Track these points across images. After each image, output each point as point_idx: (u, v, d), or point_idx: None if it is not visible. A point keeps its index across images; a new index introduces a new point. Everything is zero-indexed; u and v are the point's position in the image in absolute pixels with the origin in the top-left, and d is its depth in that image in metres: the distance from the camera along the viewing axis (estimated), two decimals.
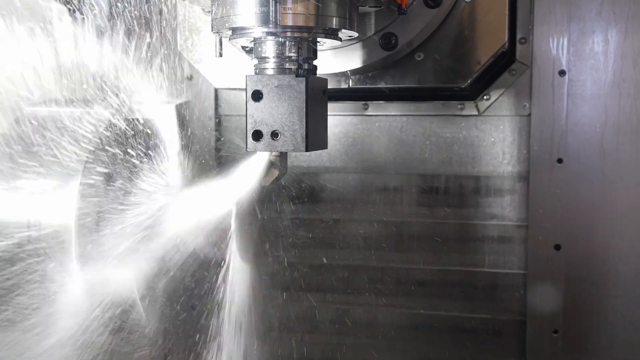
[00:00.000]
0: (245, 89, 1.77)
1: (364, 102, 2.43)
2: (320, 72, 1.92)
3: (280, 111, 1.76)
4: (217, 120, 2.44)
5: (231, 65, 2.18)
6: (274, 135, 1.76)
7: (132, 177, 1.91)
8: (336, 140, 2.43)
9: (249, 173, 1.89)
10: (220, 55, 1.86)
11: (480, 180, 2.39)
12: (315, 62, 1.88)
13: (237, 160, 1.92)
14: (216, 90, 2.46)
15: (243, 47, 1.96)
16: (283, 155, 1.90)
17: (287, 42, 1.78)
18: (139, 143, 1.90)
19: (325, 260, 2.48)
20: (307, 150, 1.77)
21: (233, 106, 2.47)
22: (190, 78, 2.34)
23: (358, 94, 2.36)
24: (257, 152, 1.85)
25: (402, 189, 2.44)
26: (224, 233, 1.95)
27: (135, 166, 1.91)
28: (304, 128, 1.75)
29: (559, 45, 2.23)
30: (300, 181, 2.43)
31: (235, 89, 2.36)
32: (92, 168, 1.79)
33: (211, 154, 2.41)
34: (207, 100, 2.44)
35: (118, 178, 1.89)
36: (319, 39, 1.84)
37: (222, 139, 2.38)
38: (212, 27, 1.84)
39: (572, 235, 2.25)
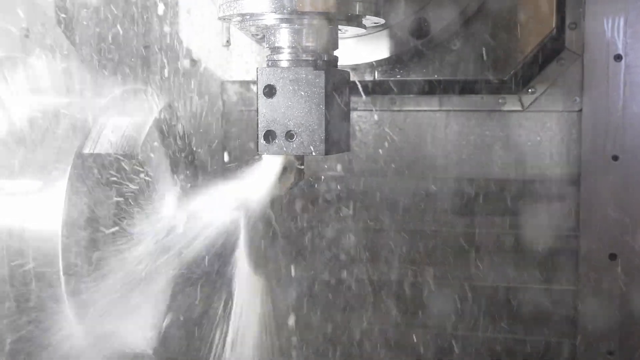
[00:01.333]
0: (256, 83, 1.73)
1: (391, 96, 2.41)
2: (341, 63, 1.88)
3: (296, 109, 1.72)
4: (223, 116, 2.40)
5: (240, 55, 2.17)
6: (289, 136, 1.72)
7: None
8: (359, 139, 2.42)
9: (261, 179, 1.84)
10: (228, 44, 1.81)
11: (524, 184, 2.38)
12: (335, 53, 1.83)
13: (247, 163, 1.88)
14: (222, 83, 2.42)
15: (254, 35, 1.91)
16: (300, 159, 1.86)
17: (304, 30, 1.74)
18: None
19: (348, 275, 2.46)
20: (326, 153, 1.73)
21: (242, 99, 2.43)
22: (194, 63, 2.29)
23: (385, 87, 2.33)
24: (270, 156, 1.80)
25: (435, 195, 2.42)
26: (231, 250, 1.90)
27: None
28: (323, 128, 1.71)
29: (614, 27, 2.20)
30: (318, 186, 2.41)
31: (244, 81, 2.32)
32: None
33: (216, 156, 2.37)
34: (212, 94, 2.40)
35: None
36: (340, 27, 1.79)
37: (229, 138, 2.32)
38: (218, 12, 1.78)
39: (630, 244, 2.24)
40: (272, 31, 1.80)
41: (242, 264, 1.90)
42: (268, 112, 1.74)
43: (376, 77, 2.22)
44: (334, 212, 2.45)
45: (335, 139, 1.78)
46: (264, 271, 1.97)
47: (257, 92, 1.74)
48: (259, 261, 1.98)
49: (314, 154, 1.73)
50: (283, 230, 2.42)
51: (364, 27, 1.86)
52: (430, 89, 2.33)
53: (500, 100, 2.34)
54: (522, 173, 2.37)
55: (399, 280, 2.47)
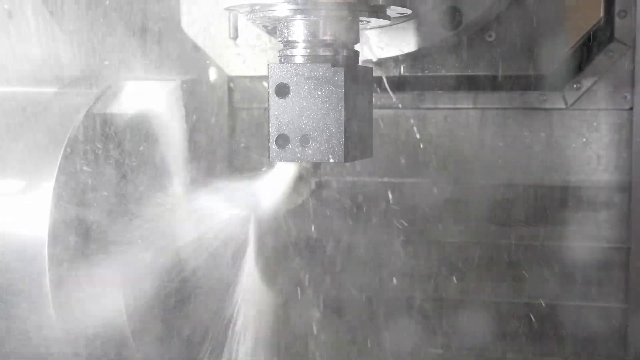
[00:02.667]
0: (268, 82, 1.71)
1: (419, 92, 2.38)
2: (363, 57, 1.90)
3: (311, 110, 1.70)
4: (230, 114, 2.40)
5: (249, 48, 2.17)
6: (304, 140, 1.70)
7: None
8: (382, 140, 2.38)
9: (272, 188, 1.84)
10: (236, 37, 1.79)
11: (568, 191, 2.36)
12: (356, 47, 1.81)
13: (257, 168, 1.89)
14: (230, 78, 2.41)
15: (264, 26, 1.91)
16: (316, 166, 1.84)
17: (321, 22, 1.72)
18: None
19: (369, 292, 2.45)
20: (346, 160, 1.70)
21: (252, 95, 2.42)
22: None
23: (411, 83, 2.32)
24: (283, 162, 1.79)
25: (467, 203, 2.40)
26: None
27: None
28: (342, 132, 1.69)
29: None
30: (337, 192, 2.41)
31: (254, 77, 2.31)
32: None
33: (222, 160, 2.35)
34: (218, 90, 2.39)
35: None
36: (361, 18, 1.77)
37: (237, 140, 2.31)
38: (224, 2, 1.78)
39: None
40: (285, 23, 1.77)
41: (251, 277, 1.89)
42: (280, 113, 1.72)
43: (402, 72, 2.21)
44: (353, 221, 2.44)
45: (356, 143, 1.76)
46: (276, 285, 1.95)
47: (269, 92, 1.72)
48: (270, 273, 1.98)
49: (331, 160, 1.71)
50: (298, 241, 2.38)
51: (388, 18, 1.83)
52: (462, 85, 2.32)
53: (541, 97, 2.32)
54: (566, 178, 2.36)
55: (427, 297, 2.46)
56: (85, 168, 1.81)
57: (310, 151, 1.71)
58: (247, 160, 2.35)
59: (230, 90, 2.42)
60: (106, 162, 1.85)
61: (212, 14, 2.22)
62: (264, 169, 1.88)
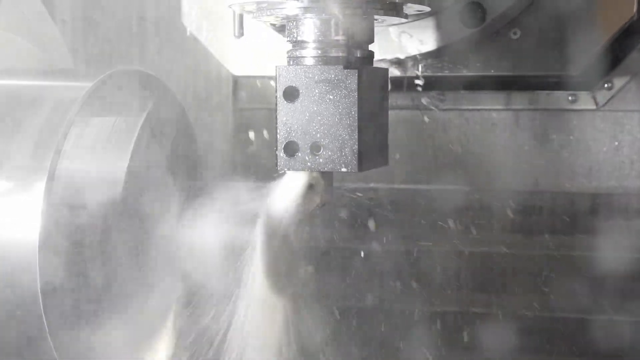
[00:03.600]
0: (276, 85, 1.70)
1: (439, 92, 2.38)
2: (378, 57, 1.89)
3: (323, 115, 1.68)
4: (235, 116, 2.40)
5: (255, 46, 2.17)
6: (315, 148, 1.69)
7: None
8: (399, 143, 2.33)
9: (280, 197, 1.81)
10: (241, 35, 1.78)
11: (599, 198, 2.35)
12: (371, 47, 1.79)
13: (264, 175, 1.86)
14: (235, 78, 2.41)
15: (272, 24, 1.90)
16: (327, 176, 1.81)
17: (333, 21, 1.70)
18: None
19: (387, 304, 2.45)
20: (360, 169, 1.69)
21: (259, 96, 2.41)
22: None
23: (430, 83, 2.31)
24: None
25: (491, 210, 2.39)
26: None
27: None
28: (356, 139, 1.68)
29: None
30: (350, 199, 2.36)
31: (261, 77, 2.32)
32: None
33: (225, 165, 2.36)
34: (222, 90, 2.39)
35: None
36: (376, 16, 1.75)
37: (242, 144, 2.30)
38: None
39: None
40: (294, 22, 1.75)
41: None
42: (289, 119, 1.71)
43: (420, 71, 2.19)
44: (367, 229, 2.42)
45: (371, 151, 1.75)
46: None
47: (277, 96, 1.71)
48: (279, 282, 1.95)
49: (344, 170, 1.70)
50: (313, 251, 2.38)
51: (405, 16, 1.82)
52: (485, 85, 2.32)
53: (570, 98, 2.32)
54: (597, 184, 2.36)
55: (451, 311, 2.47)
56: (79, 168, 1.79)
57: (321, 160, 1.70)
58: (254, 164, 2.34)
59: (235, 89, 2.41)
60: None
61: (215, 9, 2.20)
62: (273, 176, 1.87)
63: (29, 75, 2.00)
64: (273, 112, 1.75)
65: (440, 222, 2.43)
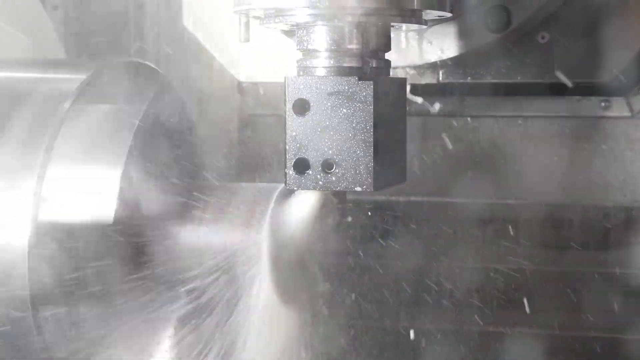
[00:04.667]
0: (285, 97, 1.68)
1: (460, 99, 2.38)
2: (395, 64, 1.89)
3: (335, 130, 1.67)
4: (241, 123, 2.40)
5: (262, 50, 2.17)
6: (327, 166, 1.68)
7: None
8: (417, 153, 2.36)
9: (290, 217, 1.81)
10: (247, 40, 1.78)
11: (634, 211, 2.35)
12: (387, 55, 1.79)
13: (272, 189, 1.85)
14: (240, 84, 2.40)
15: (282, 30, 1.92)
16: (340, 195, 1.81)
17: (347, 29, 1.69)
18: None
19: (406, 324, 2.45)
20: (375, 188, 1.67)
21: (266, 101, 2.40)
22: None
23: (451, 89, 2.31)
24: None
25: (517, 224, 2.39)
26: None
27: None
28: (371, 156, 1.67)
29: None
30: (367, 212, 2.39)
31: (268, 83, 2.31)
32: None
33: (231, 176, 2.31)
34: (227, 97, 2.38)
35: None
36: (393, 23, 1.74)
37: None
38: (234, 5, 1.76)
39: None
40: (305, 29, 1.74)
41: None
42: (299, 134, 1.70)
43: (440, 78, 2.19)
44: (385, 245, 2.44)
45: (387, 168, 1.74)
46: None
47: (285, 109, 1.70)
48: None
49: (358, 189, 1.69)
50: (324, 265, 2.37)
51: (425, 22, 1.81)
52: (511, 91, 2.31)
53: (602, 104, 2.32)
54: (632, 197, 2.35)
55: (476, 331, 2.46)
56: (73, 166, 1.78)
57: (333, 178, 1.69)
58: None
59: (241, 95, 2.41)
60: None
61: (219, 13, 2.20)
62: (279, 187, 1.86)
63: (18, 66, 1.99)
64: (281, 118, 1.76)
65: (461, 235, 2.45)
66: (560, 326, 2.42)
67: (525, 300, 2.40)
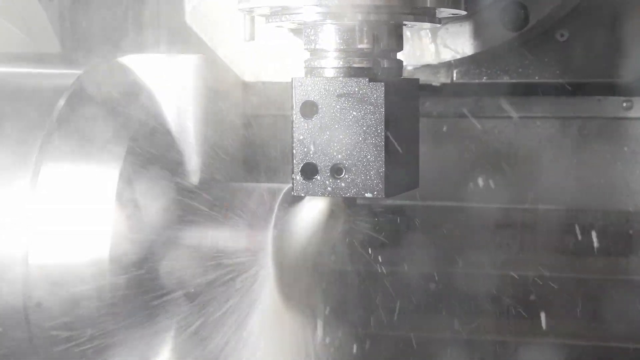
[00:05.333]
0: (292, 99, 1.69)
1: (475, 99, 2.36)
2: (407, 63, 1.92)
3: (345, 134, 1.68)
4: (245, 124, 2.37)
5: (267, 48, 2.17)
6: (336, 171, 1.68)
7: None
8: (430, 156, 2.30)
9: (298, 222, 1.82)
10: (252, 39, 1.78)
11: None
12: (399, 55, 1.79)
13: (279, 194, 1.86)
14: (244, 84, 2.39)
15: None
16: (350, 202, 1.82)
17: (357, 28, 1.68)
18: None
19: (419, 333, 2.44)
20: (386, 195, 1.68)
21: (271, 100, 2.37)
22: None
23: (465, 89, 2.29)
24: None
25: (533, 229, 2.38)
26: None
27: None
28: (382, 161, 1.67)
29: None
30: (376, 217, 2.32)
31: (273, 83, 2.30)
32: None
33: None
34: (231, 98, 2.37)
35: None
36: (405, 22, 1.74)
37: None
38: (238, 2, 1.76)
39: None
40: (312, 28, 1.74)
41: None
42: (307, 138, 1.70)
43: (454, 78, 2.19)
44: (396, 251, 2.42)
45: (399, 174, 1.74)
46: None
47: (293, 111, 1.70)
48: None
49: (369, 195, 1.68)
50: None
51: (438, 21, 1.81)
52: (529, 90, 2.30)
53: (624, 104, 2.29)
54: None
55: (487, 339, 2.46)
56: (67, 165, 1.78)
57: (343, 184, 1.69)
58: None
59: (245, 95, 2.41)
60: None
61: (222, 11, 2.20)
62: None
63: (13, 61, 1.99)
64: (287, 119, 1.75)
65: (474, 240, 2.43)
66: (574, 334, 2.42)
67: (541, 307, 2.41)
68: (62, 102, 1.80)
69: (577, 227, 2.36)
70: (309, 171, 1.70)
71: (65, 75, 1.88)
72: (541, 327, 2.40)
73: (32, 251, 1.74)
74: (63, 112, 1.80)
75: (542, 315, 2.39)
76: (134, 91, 1.92)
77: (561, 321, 2.41)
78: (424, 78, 2.03)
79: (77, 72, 1.85)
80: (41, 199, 1.76)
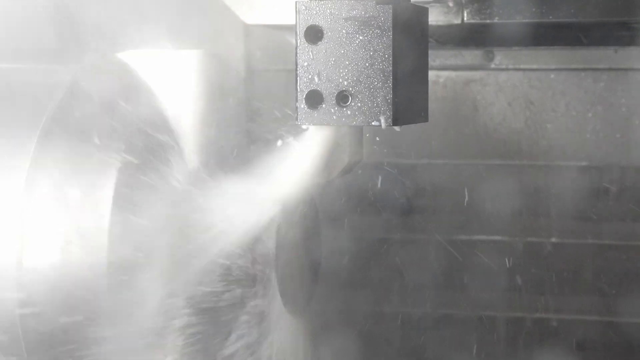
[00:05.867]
0: (295, 25, 1.67)
1: (487, 49, 2.35)
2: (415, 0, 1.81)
3: (351, 60, 1.65)
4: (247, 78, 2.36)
5: None
6: (342, 98, 1.66)
7: None
8: (441, 110, 2.34)
9: (300, 162, 1.79)
10: None
11: None
12: None
13: (279, 141, 1.85)
14: (247, 27, 2.36)
15: None
16: (356, 132, 1.80)
17: None
18: None
19: (428, 309, 2.46)
20: (395, 123, 1.65)
21: (276, 54, 2.37)
22: None
23: (477, 35, 2.26)
24: (314, 127, 1.75)
25: (550, 190, 2.39)
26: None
27: None
28: (390, 87, 1.64)
29: None
30: (382, 177, 2.37)
31: (279, 26, 2.26)
32: None
33: (238, 134, 2.29)
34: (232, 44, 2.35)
35: None
36: None
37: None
38: None
39: None
40: None
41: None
42: (311, 64, 1.67)
43: (465, 18, 2.16)
44: (403, 216, 2.44)
45: (408, 103, 1.71)
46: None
47: (297, 37, 1.68)
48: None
49: (376, 124, 1.66)
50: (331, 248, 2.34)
51: None
52: (543, 36, 2.28)
53: None
54: None
55: (498, 315, 2.46)
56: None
57: (349, 112, 1.67)
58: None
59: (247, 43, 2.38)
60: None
61: None
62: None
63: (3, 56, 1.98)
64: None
65: (484, 205, 2.44)
66: (592, 310, 2.44)
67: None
68: (58, 100, 1.78)
69: (597, 188, 2.40)
70: (314, 99, 1.68)
71: (61, 71, 1.87)
72: (548, 301, 2.44)
73: (26, 254, 1.71)
74: (59, 110, 1.78)
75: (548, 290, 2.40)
76: (132, 88, 1.90)
77: (568, 294, 2.45)
78: (432, 18, 1.99)
79: (74, 68, 1.84)
80: (36, 200, 1.74)
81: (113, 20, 2.04)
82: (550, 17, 2.12)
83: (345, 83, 1.68)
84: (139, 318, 1.83)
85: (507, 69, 2.41)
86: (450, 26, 2.18)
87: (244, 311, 1.96)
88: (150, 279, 1.85)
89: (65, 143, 1.80)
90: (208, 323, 1.97)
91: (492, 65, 2.41)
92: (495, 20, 2.16)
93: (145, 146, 1.89)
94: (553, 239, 2.44)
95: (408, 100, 1.73)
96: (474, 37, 2.33)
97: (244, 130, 2.31)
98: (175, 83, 1.99)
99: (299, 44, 1.69)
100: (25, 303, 1.71)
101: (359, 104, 1.68)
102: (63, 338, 1.75)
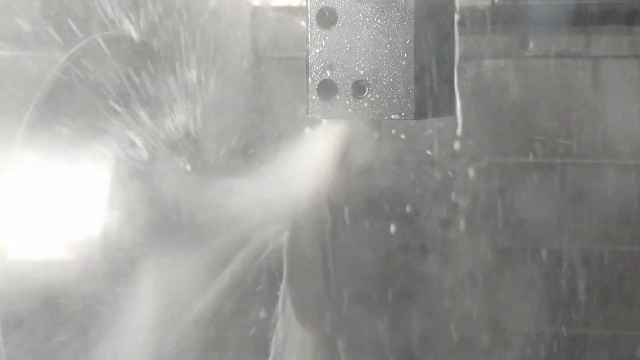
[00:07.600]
0: (307, 5, 1.68)
1: (521, 36, 2.34)
2: None
3: (368, 46, 1.67)
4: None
5: None
6: (358, 89, 1.67)
7: None
8: (468, 102, 2.32)
9: (311, 160, 1.81)
10: None
11: None
12: None
13: (290, 136, 1.87)
14: (254, 11, 2.37)
15: None
16: (374, 126, 1.81)
17: None
18: None
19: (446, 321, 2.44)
20: (416, 116, 1.66)
21: (285, 41, 2.37)
22: None
23: (509, 18, 2.27)
24: (327, 121, 1.78)
25: (592, 192, 2.41)
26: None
27: None
28: (412, 77, 1.65)
29: None
30: (401, 175, 2.38)
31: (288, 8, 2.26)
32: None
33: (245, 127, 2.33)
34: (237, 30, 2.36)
35: None
36: None
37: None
38: None
39: None
40: None
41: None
42: (325, 51, 1.69)
43: (496, 1, 2.17)
44: (434, 220, 2.44)
45: (431, 95, 1.72)
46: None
47: (308, 21, 1.69)
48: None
49: (395, 117, 1.68)
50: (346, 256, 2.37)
51: None
52: (582, 20, 2.30)
53: None
54: None
55: (530, 331, 2.47)
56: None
57: (366, 104, 1.68)
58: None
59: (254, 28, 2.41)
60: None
61: None
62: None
63: None
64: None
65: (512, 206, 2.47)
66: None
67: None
68: (44, 89, 1.81)
69: (617, 188, 2.41)
70: (327, 90, 1.69)
71: (48, 58, 1.90)
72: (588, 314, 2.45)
73: (10, 249, 1.75)
74: (46, 100, 1.81)
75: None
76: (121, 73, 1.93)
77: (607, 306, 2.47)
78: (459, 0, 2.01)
79: (62, 54, 1.86)
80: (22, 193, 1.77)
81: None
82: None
83: (362, 72, 1.69)
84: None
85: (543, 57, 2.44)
86: (478, 9, 2.19)
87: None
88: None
89: (52, 133, 1.83)
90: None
91: (527, 53, 2.44)
92: (529, 2, 2.17)
93: (145, 139, 1.92)
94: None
95: (431, 90, 1.73)
96: (505, 20, 2.35)
97: (253, 125, 2.34)
98: None
99: (310, 29, 1.70)
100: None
101: (377, 96, 1.69)
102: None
